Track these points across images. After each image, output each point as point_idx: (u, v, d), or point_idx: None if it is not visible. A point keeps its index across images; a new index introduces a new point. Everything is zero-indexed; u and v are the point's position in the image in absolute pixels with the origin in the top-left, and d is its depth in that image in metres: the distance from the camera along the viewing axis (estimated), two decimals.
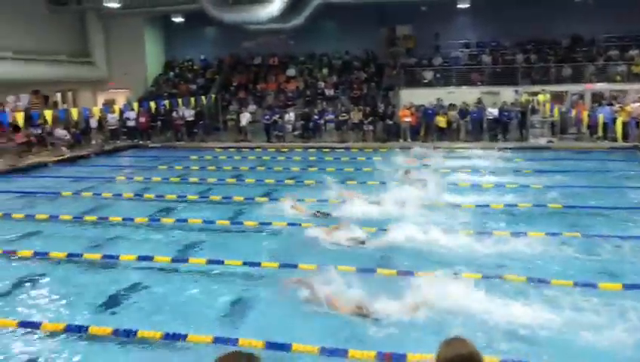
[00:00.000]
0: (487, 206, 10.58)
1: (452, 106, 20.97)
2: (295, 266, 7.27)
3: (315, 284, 6.09)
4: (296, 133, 21.98)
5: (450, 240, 8.16)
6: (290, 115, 22.34)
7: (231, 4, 21.66)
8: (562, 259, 7.57)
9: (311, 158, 17.94)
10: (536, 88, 22.03)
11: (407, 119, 20.57)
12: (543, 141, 19.32)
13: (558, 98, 21.40)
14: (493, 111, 20.31)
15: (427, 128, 20.83)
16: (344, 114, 21.66)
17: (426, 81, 24.06)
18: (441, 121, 20.40)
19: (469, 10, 24.62)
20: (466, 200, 10.96)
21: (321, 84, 25.56)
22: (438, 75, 24.24)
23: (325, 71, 26.55)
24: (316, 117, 21.95)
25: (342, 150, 19.47)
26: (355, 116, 21.39)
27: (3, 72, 20.73)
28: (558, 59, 23.60)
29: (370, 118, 21.34)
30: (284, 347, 5.09)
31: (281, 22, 21.98)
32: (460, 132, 20.71)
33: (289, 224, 9.42)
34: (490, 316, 5.57)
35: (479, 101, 21.34)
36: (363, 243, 8.19)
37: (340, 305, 5.86)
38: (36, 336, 5.56)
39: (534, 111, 20.64)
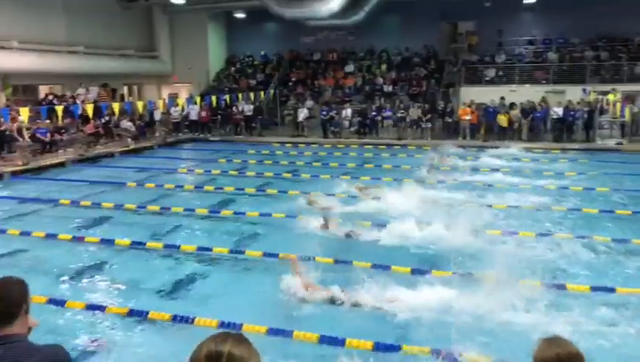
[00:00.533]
0: (549, 208, 10.26)
1: (514, 105, 20.35)
2: (350, 262, 7.28)
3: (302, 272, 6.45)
4: (352, 129, 21.97)
5: (508, 241, 7.97)
6: (348, 111, 22.34)
7: (292, 0, 21.85)
8: (628, 266, 7.24)
9: (367, 155, 17.91)
10: (606, 87, 21.06)
11: (467, 117, 20.15)
12: (611, 142, 18.47)
13: (629, 98, 20.37)
14: (557, 111, 19.58)
15: (487, 127, 20.33)
16: (402, 111, 21.46)
17: (487, 78, 23.48)
18: (502, 120, 19.85)
19: (535, 6, 23.81)
20: (527, 202, 10.68)
21: (380, 80, 25.40)
22: (500, 73, 23.60)
23: (384, 67, 26.36)
24: (374, 113, 21.85)
25: (399, 147, 19.31)
26: (414, 113, 21.16)
27: (75, 65, 21.79)
28: (631, 56, 22.44)
29: (428, 116, 21.05)
30: (337, 341, 5.12)
31: (341, 17, 21.99)
32: (521, 132, 20.08)
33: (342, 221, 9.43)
34: (551, 324, 5.40)
35: (543, 100, 20.62)
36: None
37: (317, 291, 6.16)
38: (101, 318, 5.84)
39: (602, 111, 19.74)
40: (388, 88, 24.89)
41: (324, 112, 22.08)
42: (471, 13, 24.79)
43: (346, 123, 22.09)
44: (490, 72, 23.64)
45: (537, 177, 13.43)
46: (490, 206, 10.40)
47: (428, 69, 25.48)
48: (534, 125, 19.95)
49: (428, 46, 26.25)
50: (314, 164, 16.26)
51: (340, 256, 7.53)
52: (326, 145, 20.16)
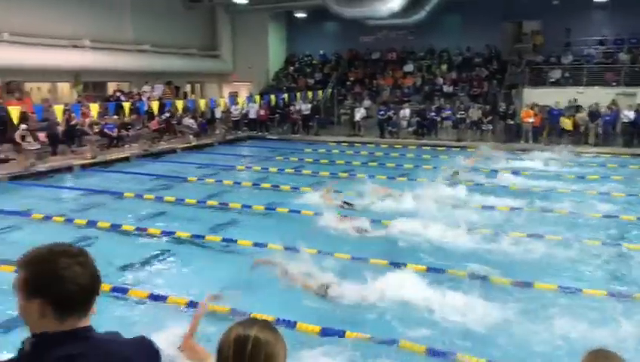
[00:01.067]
0: (617, 217, 9.80)
1: (580, 108, 19.54)
2: (404, 265, 7.20)
3: (283, 263, 6.71)
4: (410, 129, 21.73)
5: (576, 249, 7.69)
6: (406, 111, 22.13)
7: (352, 0, 21.83)
8: None
9: (425, 156, 17.67)
10: None
11: (530, 120, 19.54)
12: None
13: None
14: (628, 114, 18.66)
15: (551, 130, 19.63)
16: (462, 112, 21.05)
17: (552, 80, 22.64)
18: (566, 123, 19.11)
19: (607, 4, 22.76)
20: (593, 209, 10.25)
21: (440, 81, 25.00)
22: (566, 74, 22.69)
23: (444, 67, 25.93)
24: (432, 114, 21.55)
25: (458, 149, 18.95)
26: (474, 114, 20.72)
27: (142, 64, 22.64)
28: None
29: (489, 117, 20.56)
30: (391, 342, 5.09)
31: (401, 17, 21.80)
32: (588, 136, 19.25)
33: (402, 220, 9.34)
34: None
35: (613, 102, 19.70)
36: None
37: (302, 282, 6.42)
38: (162, 308, 6.02)
39: None
40: (448, 89, 24.47)
41: (382, 112, 21.96)
42: (536, 12, 23.98)
43: (404, 123, 21.88)
44: (556, 73, 22.77)
45: (604, 183, 12.85)
46: (551, 211, 10.07)
47: (490, 69, 24.87)
48: (603, 129, 19.09)
49: (490, 46, 25.62)
50: (370, 164, 16.20)
51: (394, 258, 7.48)
52: (383, 146, 20.04)
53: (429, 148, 19.35)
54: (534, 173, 14.20)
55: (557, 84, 22.26)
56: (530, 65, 23.26)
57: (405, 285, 6.25)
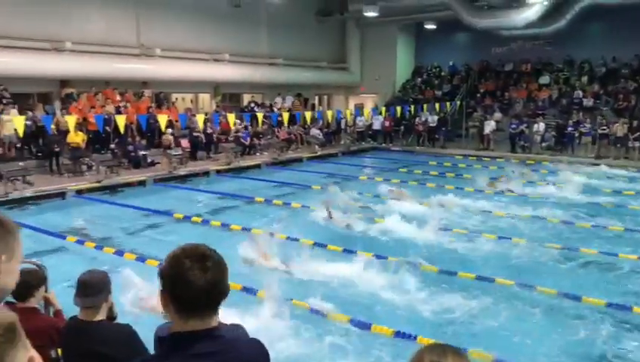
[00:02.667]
0: None
1: None
2: (532, 287, 6.82)
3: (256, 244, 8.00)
4: (544, 144, 20.52)
5: None
6: (540, 125, 20.93)
7: (485, 10, 21.18)
8: None
9: (558, 173, 16.56)
10: None
11: None
12: None
13: None
14: None
15: None
16: (604, 127, 19.45)
17: None
18: None
19: None
20: None
21: (579, 93, 23.31)
22: None
23: (585, 79, 24.15)
24: (570, 128, 20.15)
25: (595, 167, 17.52)
26: (619, 130, 19.05)
27: (275, 76, 23.74)
28: None
29: (637, 133, 18.78)
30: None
31: (538, 26, 20.71)
32: None
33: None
34: None
35: None
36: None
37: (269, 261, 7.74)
38: (286, 307, 6.21)
39: None
40: (588, 102, 22.74)
41: (514, 125, 20.99)
42: None
43: (538, 138, 20.71)
44: None
45: None
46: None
47: (639, 81, 22.72)
48: None
49: None
50: (500, 179, 15.52)
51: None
52: (513, 161, 19.12)
53: (564, 164, 18.10)
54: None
55: None
56: None
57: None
